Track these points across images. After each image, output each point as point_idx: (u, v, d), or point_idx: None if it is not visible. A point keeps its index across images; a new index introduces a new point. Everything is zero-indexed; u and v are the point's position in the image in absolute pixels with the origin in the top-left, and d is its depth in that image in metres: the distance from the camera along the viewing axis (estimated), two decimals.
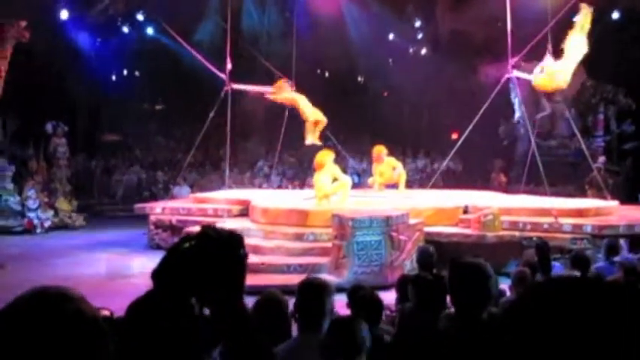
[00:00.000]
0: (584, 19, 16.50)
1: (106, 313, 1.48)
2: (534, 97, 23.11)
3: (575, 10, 16.94)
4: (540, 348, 1.05)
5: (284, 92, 18.52)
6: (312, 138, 18.55)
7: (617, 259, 9.20)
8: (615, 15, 23.33)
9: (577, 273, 7.75)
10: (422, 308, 5.16)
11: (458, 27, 25.67)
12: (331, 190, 15.76)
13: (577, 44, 16.50)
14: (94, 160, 28.30)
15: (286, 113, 19.76)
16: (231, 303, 1.56)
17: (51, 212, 21.53)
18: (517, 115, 23.60)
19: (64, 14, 22.06)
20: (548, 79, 16.54)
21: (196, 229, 1.61)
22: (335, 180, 15.90)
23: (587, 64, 22.95)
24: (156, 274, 1.54)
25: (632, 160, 23.31)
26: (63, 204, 22.25)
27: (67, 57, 25.48)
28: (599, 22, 22.41)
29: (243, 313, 1.59)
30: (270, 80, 19.49)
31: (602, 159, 21.57)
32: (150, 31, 25.11)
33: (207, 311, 1.68)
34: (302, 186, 25.74)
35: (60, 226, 21.29)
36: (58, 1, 21.80)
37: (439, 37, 28.31)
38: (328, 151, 16.37)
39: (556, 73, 16.38)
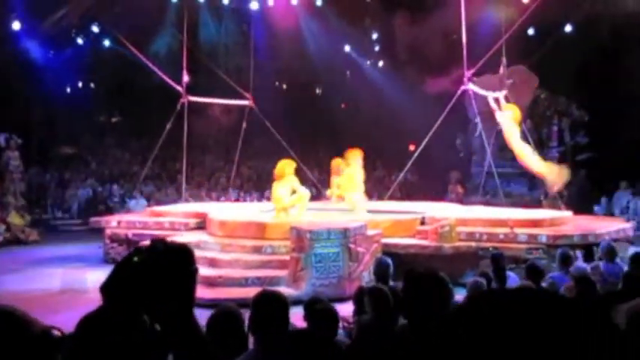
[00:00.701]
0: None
1: (57, 332, 1.45)
2: (489, 109, 23.41)
3: (529, 23, 17.24)
4: (484, 353, 1.05)
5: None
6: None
7: (571, 269, 9.33)
8: (568, 28, 23.80)
9: (531, 283, 7.83)
10: (378, 320, 5.16)
11: (415, 40, 25.89)
12: (289, 203, 15.72)
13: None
14: (48, 173, 27.87)
15: (244, 125, 19.70)
16: (181, 317, 1.54)
17: (3, 227, 21.14)
18: (478, 128, 23.82)
19: (16, 25, 21.73)
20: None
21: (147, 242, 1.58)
22: (294, 192, 15.88)
23: (541, 76, 23.38)
24: (105, 288, 1.51)
25: (586, 171, 23.71)
26: (15, 218, 21.86)
27: (20, 68, 25.10)
28: (552, 34, 22.89)
29: (193, 327, 1.56)
30: (228, 93, 19.42)
31: None
32: (106, 42, 24.88)
33: (157, 325, 1.66)
34: (260, 198, 25.69)
35: (12, 241, 20.90)
36: (10, 11, 21.48)
37: (396, 50, 28.54)
38: (289, 161, 16.34)
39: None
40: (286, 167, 15.86)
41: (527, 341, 1.04)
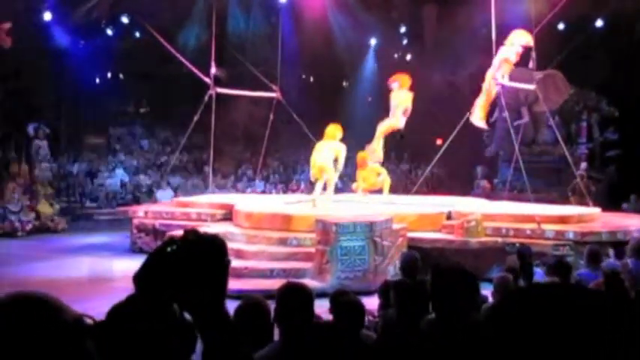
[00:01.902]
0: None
1: (89, 320, 1.46)
2: (516, 104, 23.25)
3: (559, 18, 17.09)
4: (520, 354, 1.05)
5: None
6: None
7: (602, 264, 9.22)
8: (599, 23, 23.54)
9: (557, 279, 7.77)
10: (403, 314, 5.15)
11: (443, 34, 25.76)
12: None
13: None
14: (77, 162, 28.13)
15: (271, 117, 19.74)
16: (213, 308, 1.55)
17: (32, 215, 21.38)
18: (524, 119, 23.64)
19: (47, 15, 21.95)
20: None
21: (179, 232, 1.59)
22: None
23: (571, 71, 23.14)
24: (137, 278, 1.52)
25: (615, 167, 23.48)
26: (45, 207, 22.09)
27: (50, 58, 25.33)
28: (582, 29, 22.64)
29: (224, 317, 1.57)
30: (255, 85, 19.44)
31: (583, 165, 21.72)
32: (135, 33, 25.03)
33: (187, 316, 1.67)
34: (286, 190, 25.75)
35: (41, 230, 21.14)
36: (42, 2, 21.68)
37: (424, 43, 28.40)
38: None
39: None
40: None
41: (563, 339, 1.03)
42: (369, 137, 18.14)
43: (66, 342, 1.38)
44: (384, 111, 27.47)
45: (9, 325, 1.34)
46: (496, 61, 17.38)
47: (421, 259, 8.42)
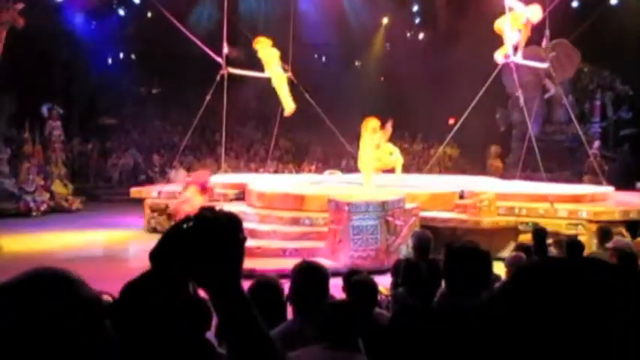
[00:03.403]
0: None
1: (107, 298, 1.49)
2: (537, 79, 23.09)
3: None
4: (533, 328, 1.06)
5: (265, 47, 18.56)
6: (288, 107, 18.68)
7: (609, 243, 9.20)
8: (613, 1, 23.32)
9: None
10: (414, 293, 5.17)
11: (456, 12, 25.60)
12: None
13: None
14: (90, 143, 28.22)
15: None
16: (229, 285, 1.56)
17: (47, 195, 21.50)
18: (552, 91, 23.48)
19: None
20: None
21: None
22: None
23: (585, 50, 22.97)
24: (153, 255, 1.54)
25: (629, 146, 23.35)
26: (59, 187, 22.21)
27: (63, 39, 25.36)
28: (597, 7, 22.44)
29: (241, 295, 1.59)
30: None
31: (596, 144, 21.58)
32: (147, 14, 24.99)
33: (203, 292, 1.69)
34: (298, 170, 25.75)
35: (56, 210, 21.26)
36: None
37: (437, 22, 28.24)
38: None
39: None
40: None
41: (576, 314, 1.04)
42: (381, 117, 18.07)
43: (85, 319, 1.40)
44: (396, 90, 27.48)
45: (29, 301, 1.36)
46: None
47: (434, 239, 8.42)
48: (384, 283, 7.53)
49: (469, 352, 1.27)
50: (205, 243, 1.51)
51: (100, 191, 25.74)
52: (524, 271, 1.15)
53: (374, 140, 16.48)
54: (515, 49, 17.32)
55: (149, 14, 24.92)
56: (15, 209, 20.34)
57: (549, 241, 9.93)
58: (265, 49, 18.50)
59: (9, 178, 20.97)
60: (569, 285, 1.07)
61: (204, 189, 14.60)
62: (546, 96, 23.13)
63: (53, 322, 1.34)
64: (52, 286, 1.41)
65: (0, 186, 20.63)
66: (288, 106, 18.68)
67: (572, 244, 8.49)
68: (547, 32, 17.64)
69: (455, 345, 2.89)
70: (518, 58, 17.46)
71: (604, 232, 9.64)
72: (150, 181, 24.59)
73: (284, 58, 19.13)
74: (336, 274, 6.69)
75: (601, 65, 24.57)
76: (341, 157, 26.75)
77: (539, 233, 8.99)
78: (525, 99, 19.37)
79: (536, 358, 1.05)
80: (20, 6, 19.51)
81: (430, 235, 8.22)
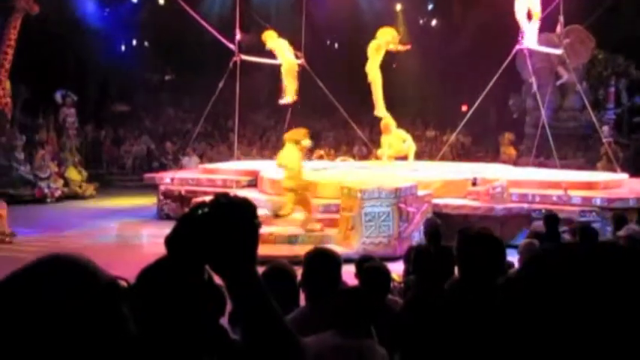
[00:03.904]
0: None
1: (123, 283, 1.50)
2: (551, 66, 22.96)
3: None
4: (549, 314, 1.06)
5: (272, 39, 18.52)
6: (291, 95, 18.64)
7: (620, 232, 9.15)
8: None
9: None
10: (425, 279, 5.17)
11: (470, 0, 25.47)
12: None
13: None
14: (104, 130, 28.32)
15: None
16: (244, 270, 1.58)
17: (61, 182, 21.61)
18: (564, 77, 23.32)
19: None
20: None
21: (206, 198, 1.62)
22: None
23: (599, 36, 22.80)
24: (169, 241, 1.55)
25: None
26: (73, 174, 22.32)
27: (76, 26, 25.40)
28: None
29: (256, 280, 1.60)
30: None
31: (605, 129, 21.34)
32: (159, 0, 24.98)
33: (217, 279, 1.71)
34: (310, 157, 25.73)
35: (70, 196, 21.37)
36: None
37: (450, 9, 28.11)
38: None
39: None
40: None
41: (594, 299, 1.04)
42: (394, 104, 18.04)
43: (101, 303, 1.41)
44: (408, 78, 27.39)
45: (45, 285, 1.37)
46: None
47: (446, 226, 8.42)
48: (396, 270, 7.55)
49: (483, 338, 1.28)
50: (221, 229, 1.52)
51: (113, 178, 25.85)
52: (539, 257, 1.15)
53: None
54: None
55: (162, 1, 24.90)
56: (30, 195, 20.46)
57: (563, 228, 9.90)
58: (273, 40, 18.48)
59: (24, 165, 21.09)
60: (585, 270, 1.07)
61: (299, 145, 14.40)
62: (558, 83, 22.97)
63: (69, 305, 1.36)
64: (67, 269, 1.42)
65: (15, 172, 20.74)
66: (291, 94, 18.67)
67: (586, 231, 8.45)
68: (561, 19, 17.54)
69: (468, 331, 2.90)
70: (533, 44, 17.35)
71: (619, 218, 9.59)
72: (163, 167, 24.66)
73: (296, 45, 19.10)
74: (348, 260, 6.71)
75: (615, 52, 24.39)
76: (353, 143, 26.73)
77: (551, 220, 8.94)
78: (538, 86, 19.28)
79: (553, 345, 1.05)
80: None
81: (439, 222, 8.22)
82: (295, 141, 13.92)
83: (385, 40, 17.45)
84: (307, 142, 14.46)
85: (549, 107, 21.39)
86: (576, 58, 20.34)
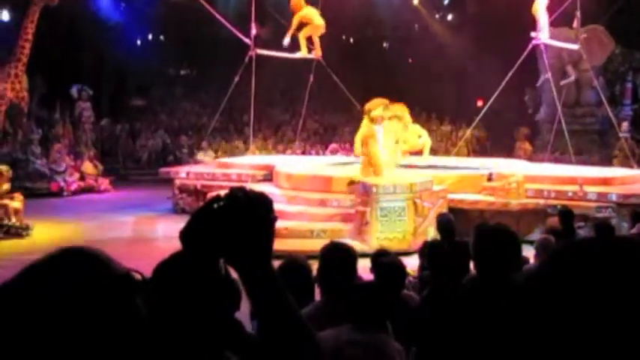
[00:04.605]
0: None
1: (138, 276, 1.50)
2: (560, 64, 22.84)
3: None
4: (569, 311, 1.05)
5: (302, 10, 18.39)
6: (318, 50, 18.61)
7: (633, 230, 9.07)
8: None
9: None
10: (439, 275, 5.15)
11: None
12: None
13: None
14: (119, 124, 28.43)
15: (311, 78, 19.65)
16: (260, 265, 1.57)
17: (77, 175, 21.72)
18: (570, 78, 23.20)
19: None
20: None
21: (224, 192, 1.61)
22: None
23: (616, 31, 22.62)
24: (184, 235, 1.55)
25: None
26: (88, 167, 22.43)
27: (92, 21, 25.50)
28: None
29: (272, 274, 1.60)
30: (295, 47, 19.35)
31: (625, 125, 21.20)
32: None
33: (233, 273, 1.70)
34: (324, 152, 25.74)
35: (86, 190, 21.48)
36: None
37: (466, 4, 27.98)
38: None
39: None
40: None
41: (616, 295, 1.03)
42: (409, 99, 17.98)
43: (116, 296, 1.41)
44: (424, 73, 27.32)
45: (60, 278, 1.38)
46: None
47: (462, 221, 8.39)
48: (411, 265, 7.53)
49: (499, 334, 1.26)
50: (236, 223, 1.51)
51: (128, 172, 25.95)
52: (557, 255, 1.14)
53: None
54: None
55: None
56: (46, 189, 20.59)
57: (579, 224, 9.84)
58: (303, 9, 18.37)
59: (40, 159, 21.21)
60: (602, 267, 1.06)
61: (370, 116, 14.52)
62: (562, 82, 22.70)
63: (83, 298, 1.36)
64: (81, 262, 1.42)
65: (32, 166, 20.87)
66: (318, 50, 18.63)
67: (602, 227, 8.39)
68: (578, 14, 17.41)
69: (484, 327, 2.89)
70: (549, 39, 17.26)
71: (636, 215, 9.51)
72: (178, 162, 24.73)
73: (311, 40, 19.07)
74: (363, 255, 6.70)
75: (633, 47, 24.21)
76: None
77: (566, 215, 8.87)
78: (547, 81, 19.17)
79: (573, 341, 1.04)
80: None
81: (452, 217, 8.19)
82: (367, 112, 14.47)
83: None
84: (377, 112, 14.61)
85: (550, 103, 21.30)
86: (590, 58, 20.18)
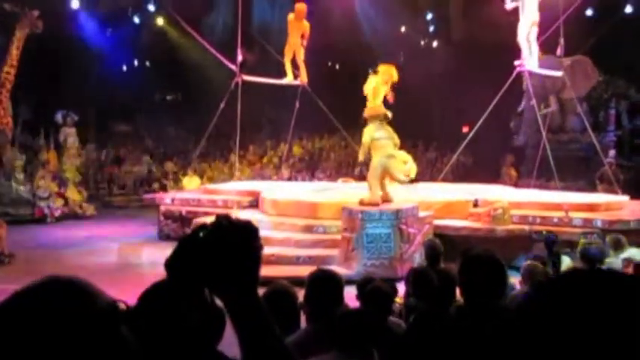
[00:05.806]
0: None
1: (122, 305, 1.48)
2: (544, 92, 23.03)
3: (588, 4, 16.86)
4: (554, 342, 1.04)
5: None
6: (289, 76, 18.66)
7: (622, 255, 9.14)
8: (628, 9, 23.23)
9: (587, 267, 7.71)
10: (425, 301, 5.15)
11: (469, 20, 25.57)
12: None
13: None
14: (105, 149, 28.36)
15: (296, 104, 19.69)
16: (245, 294, 1.56)
17: (61, 202, 21.60)
18: (551, 108, 23.39)
19: (74, 4, 22.05)
20: None
21: (210, 219, 1.60)
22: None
23: (600, 58, 22.87)
24: (169, 264, 1.53)
25: None
26: (73, 193, 22.32)
27: (78, 47, 25.51)
28: (612, 15, 22.36)
29: (257, 303, 1.58)
30: (281, 72, 19.42)
31: (612, 153, 21.40)
32: (160, 21, 25.09)
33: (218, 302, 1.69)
34: (311, 178, 25.75)
35: (70, 216, 21.35)
36: None
37: (451, 31, 28.22)
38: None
39: None
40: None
41: (603, 328, 1.02)
42: (396, 125, 18.03)
43: (100, 327, 1.39)
44: (409, 100, 27.43)
45: (42, 309, 1.36)
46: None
47: (447, 248, 8.38)
48: (397, 291, 7.50)
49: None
50: (222, 252, 1.50)
51: (113, 198, 25.85)
52: (544, 287, 1.14)
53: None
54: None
55: (160, 22, 25.00)
56: (30, 215, 20.46)
57: (566, 249, 9.87)
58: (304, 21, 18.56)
59: (24, 185, 21.09)
60: (587, 300, 1.06)
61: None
62: (541, 112, 22.84)
63: (67, 329, 1.34)
64: (65, 292, 1.40)
65: (15, 192, 20.75)
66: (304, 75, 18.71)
67: (588, 254, 8.44)
68: (561, 41, 17.57)
69: (472, 354, 2.87)
70: (534, 67, 17.40)
71: (615, 241, 9.63)
72: (163, 188, 24.67)
73: (296, 65, 19.16)
74: (349, 282, 6.67)
75: (616, 74, 24.47)
76: (354, 164, 26.71)
77: (551, 242, 8.90)
78: (527, 108, 19.29)
79: None
80: (36, 13, 19.70)
81: (439, 244, 8.21)
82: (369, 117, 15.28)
83: (384, 79, 17.04)
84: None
85: (527, 130, 21.45)
86: (575, 89, 20.38)
